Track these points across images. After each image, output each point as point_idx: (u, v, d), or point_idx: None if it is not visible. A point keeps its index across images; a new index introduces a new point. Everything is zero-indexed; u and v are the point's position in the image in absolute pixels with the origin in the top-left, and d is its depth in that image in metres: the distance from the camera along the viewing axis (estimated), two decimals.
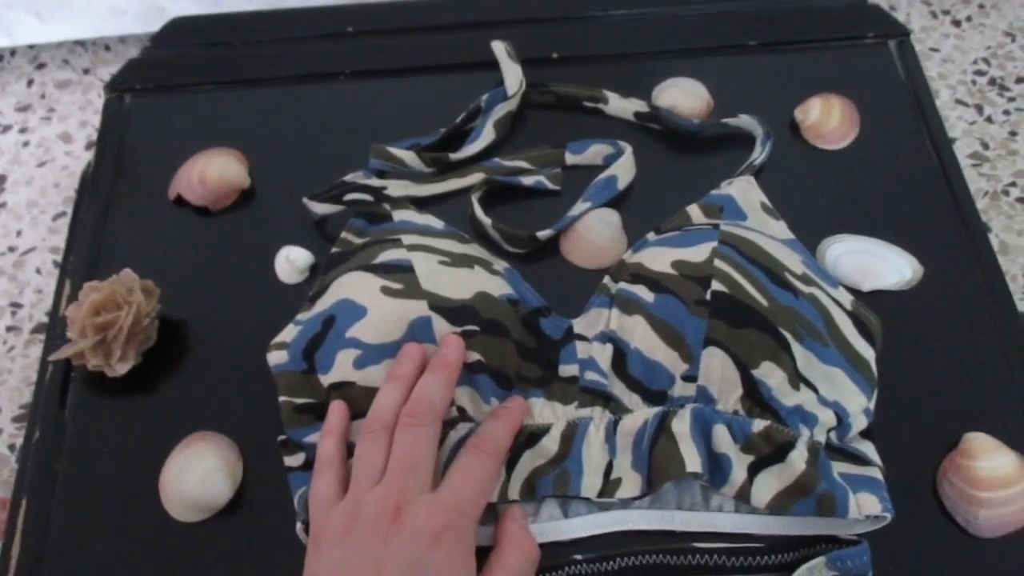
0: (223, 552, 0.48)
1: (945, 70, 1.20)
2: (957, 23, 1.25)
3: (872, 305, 0.51)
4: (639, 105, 0.62)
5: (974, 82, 1.19)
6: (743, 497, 0.44)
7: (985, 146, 1.13)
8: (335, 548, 0.41)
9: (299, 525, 0.45)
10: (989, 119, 1.15)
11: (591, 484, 0.46)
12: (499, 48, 0.65)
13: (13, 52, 1.27)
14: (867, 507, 0.43)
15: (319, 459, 0.45)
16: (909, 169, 0.61)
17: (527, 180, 0.60)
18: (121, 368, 0.52)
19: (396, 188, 0.58)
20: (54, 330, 0.57)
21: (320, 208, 0.57)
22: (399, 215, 0.56)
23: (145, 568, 0.48)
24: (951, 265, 0.56)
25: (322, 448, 0.45)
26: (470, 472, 0.43)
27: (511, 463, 0.46)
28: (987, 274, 0.56)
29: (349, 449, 0.46)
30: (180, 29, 0.72)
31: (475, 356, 0.46)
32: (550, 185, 0.60)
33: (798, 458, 0.44)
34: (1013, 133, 1.14)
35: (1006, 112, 1.16)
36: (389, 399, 0.44)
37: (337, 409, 0.46)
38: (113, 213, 0.61)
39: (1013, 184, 1.09)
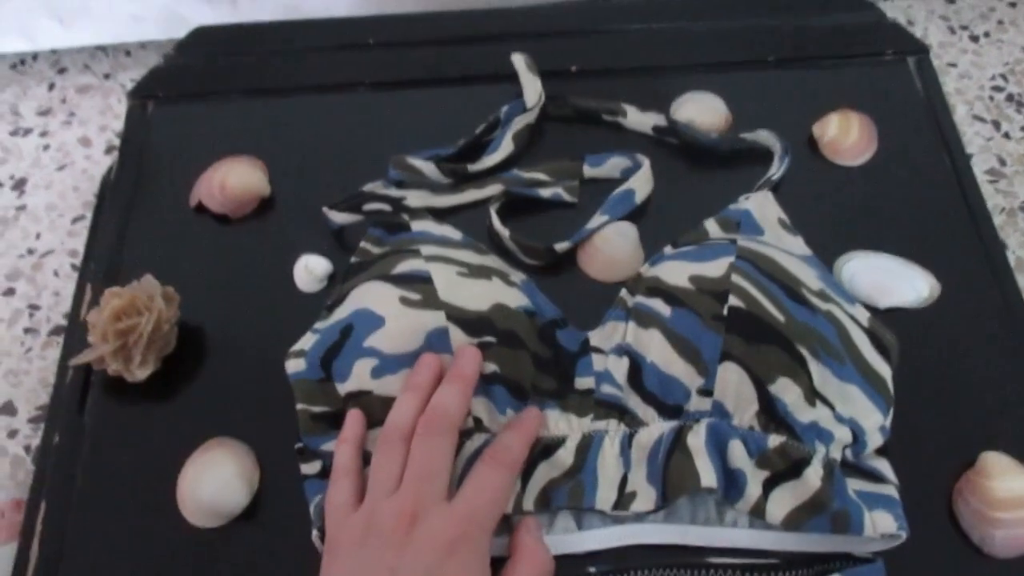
0: (239, 558, 0.48)
1: (962, 86, 1.20)
2: (975, 39, 1.25)
3: (889, 323, 0.51)
4: (657, 119, 0.62)
5: (991, 98, 1.18)
6: (758, 513, 0.44)
7: (1002, 162, 1.12)
8: (350, 557, 0.41)
9: (315, 533, 0.45)
10: (1006, 135, 1.15)
11: (605, 497, 0.46)
12: (519, 61, 0.65)
13: (35, 56, 1.28)
14: (882, 525, 0.43)
15: (336, 467, 0.45)
16: (927, 186, 0.60)
17: (545, 192, 0.60)
18: (141, 374, 0.52)
19: (415, 198, 0.59)
20: (73, 334, 0.57)
21: (339, 217, 0.58)
22: (417, 225, 0.56)
23: (161, 573, 0.48)
24: (969, 283, 0.56)
25: (339, 457, 0.45)
26: (485, 483, 0.43)
27: (526, 474, 0.46)
28: (1005, 292, 0.56)
29: (365, 458, 0.46)
30: (204, 38, 0.72)
31: (491, 367, 0.47)
32: (568, 197, 0.60)
33: (813, 475, 0.44)
34: None
35: (1023, 128, 1.15)
36: (406, 409, 0.44)
37: (354, 418, 0.46)
38: (134, 219, 0.61)
39: None
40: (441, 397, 0.44)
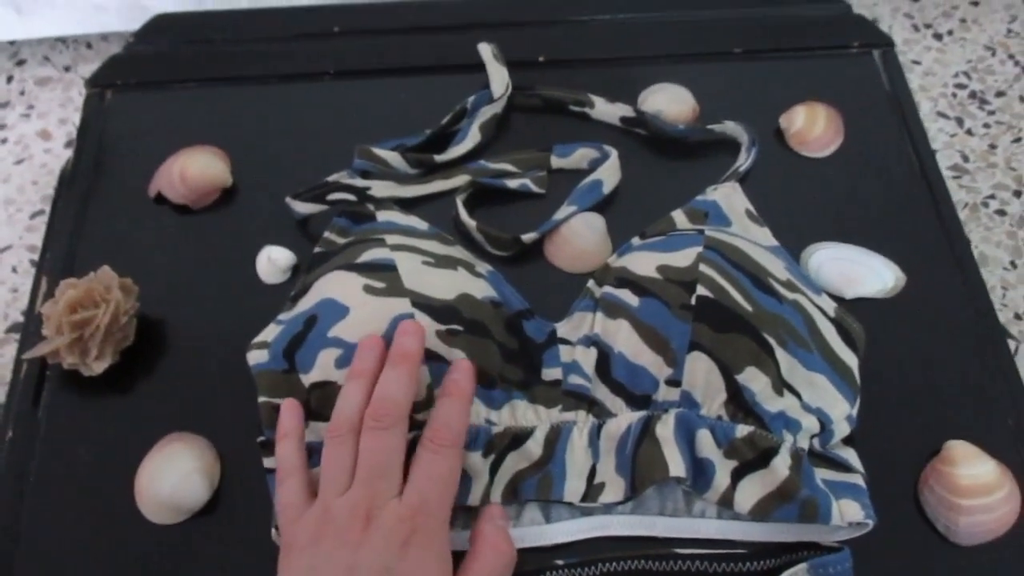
0: (199, 555, 0.47)
1: (926, 83, 1.21)
2: (939, 37, 1.26)
3: (855, 312, 0.51)
4: (625, 110, 0.62)
5: (955, 95, 1.20)
6: (726, 502, 0.44)
7: (965, 158, 1.14)
8: (305, 556, 0.40)
9: (273, 531, 0.45)
10: (969, 132, 1.16)
11: (574, 488, 0.46)
12: (486, 50, 0.65)
13: None
14: (849, 514, 0.43)
15: (280, 467, 0.44)
16: (892, 178, 0.61)
17: (512, 183, 0.59)
18: (98, 367, 0.51)
19: (380, 189, 0.58)
20: (29, 328, 0.56)
21: (303, 208, 0.57)
22: (383, 215, 0.56)
23: (119, 571, 0.47)
24: (933, 274, 0.56)
25: (281, 455, 0.44)
26: (432, 470, 0.42)
27: (494, 466, 0.46)
28: (968, 283, 0.56)
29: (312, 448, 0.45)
30: (163, 25, 0.71)
31: (459, 355, 0.46)
32: (535, 188, 0.59)
33: (781, 464, 0.44)
34: (992, 146, 1.15)
35: (986, 125, 1.17)
36: (352, 399, 0.43)
37: (290, 410, 0.45)
38: (92, 210, 0.60)
39: (992, 196, 1.10)
40: (386, 386, 0.43)
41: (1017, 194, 1.10)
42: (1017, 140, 1.15)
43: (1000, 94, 1.20)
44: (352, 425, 0.42)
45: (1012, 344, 0.95)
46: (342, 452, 0.42)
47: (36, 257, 1.05)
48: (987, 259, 1.05)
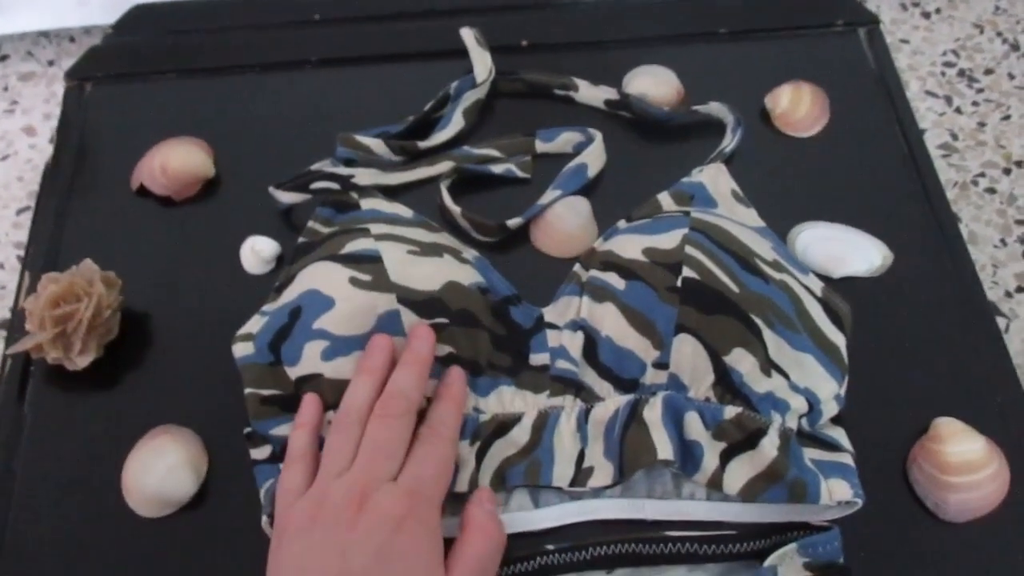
0: (187, 547, 0.47)
1: (915, 61, 1.21)
2: (927, 15, 1.26)
3: (842, 292, 0.51)
4: (609, 93, 0.62)
5: (943, 73, 1.20)
6: (715, 484, 0.44)
7: (954, 137, 1.13)
8: (299, 538, 0.40)
9: (264, 519, 0.44)
10: (958, 110, 1.16)
11: (562, 473, 0.46)
12: (468, 35, 0.64)
13: None
14: (838, 493, 0.43)
15: (290, 453, 0.44)
16: (879, 157, 0.61)
17: (497, 168, 0.59)
18: (81, 361, 0.50)
19: (364, 177, 0.57)
20: (14, 324, 0.55)
21: (286, 197, 0.56)
22: (367, 204, 0.55)
23: (107, 565, 0.47)
24: (921, 252, 0.56)
25: (294, 441, 0.44)
26: (427, 456, 0.42)
27: (481, 452, 0.46)
28: (956, 261, 0.56)
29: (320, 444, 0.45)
30: (142, 16, 0.70)
31: (446, 349, 0.46)
32: (520, 173, 0.59)
33: (769, 445, 0.44)
34: (982, 124, 1.15)
35: (975, 103, 1.17)
36: (361, 392, 0.44)
37: (310, 402, 0.45)
38: (74, 203, 0.60)
39: (982, 175, 1.10)
40: (398, 381, 0.44)
41: (1007, 172, 1.10)
42: (1006, 118, 1.15)
43: (989, 72, 1.20)
44: (360, 415, 0.43)
45: (1003, 322, 0.95)
46: (345, 438, 0.42)
47: (23, 253, 1.04)
48: (977, 237, 1.04)
